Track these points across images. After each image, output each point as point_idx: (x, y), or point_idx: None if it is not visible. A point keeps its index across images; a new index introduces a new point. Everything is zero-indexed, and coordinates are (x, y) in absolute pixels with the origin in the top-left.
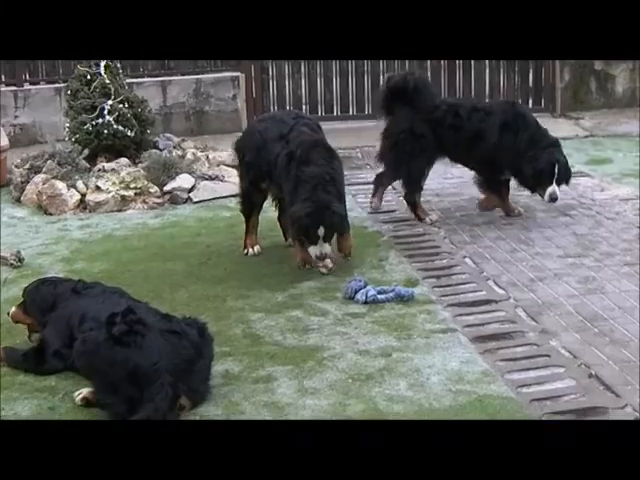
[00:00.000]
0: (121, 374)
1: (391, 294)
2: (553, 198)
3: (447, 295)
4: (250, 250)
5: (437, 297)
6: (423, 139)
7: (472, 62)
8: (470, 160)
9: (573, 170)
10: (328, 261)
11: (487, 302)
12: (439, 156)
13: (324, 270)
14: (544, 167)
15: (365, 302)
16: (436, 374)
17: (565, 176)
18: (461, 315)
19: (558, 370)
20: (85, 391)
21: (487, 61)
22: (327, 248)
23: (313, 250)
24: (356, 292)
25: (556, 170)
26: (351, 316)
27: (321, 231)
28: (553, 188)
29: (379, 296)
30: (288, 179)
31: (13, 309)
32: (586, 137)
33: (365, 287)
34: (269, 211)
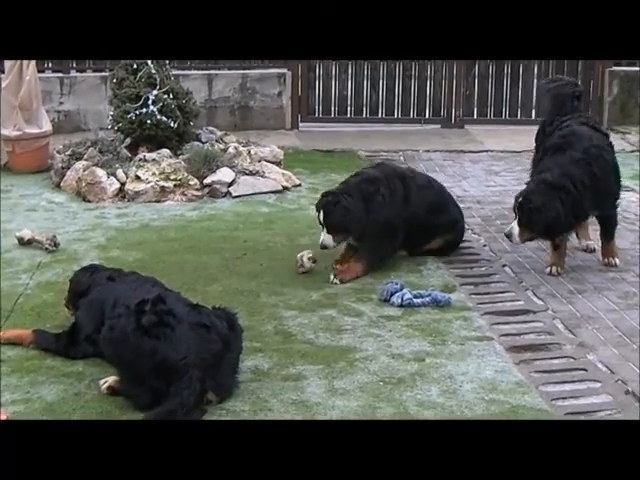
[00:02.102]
0: (148, 366)
1: (427, 299)
2: (505, 234)
3: (484, 303)
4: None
5: (474, 304)
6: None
7: (520, 72)
8: None
9: None
10: (304, 257)
11: (525, 312)
12: None
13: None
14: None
15: (401, 305)
16: (469, 382)
17: (529, 217)
18: (498, 324)
19: (594, 385)
20: (111, 379)
21: (535, 71)
22: (326, 239)
23: None
24: (392, 295)
25: (517, 204)
26: (386, 319)
27: (321, 216)
28: (510, 225)
29: (415, 300)
30: None
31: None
32: (632, 152)
33: (401, 290)
34: (310, 209)
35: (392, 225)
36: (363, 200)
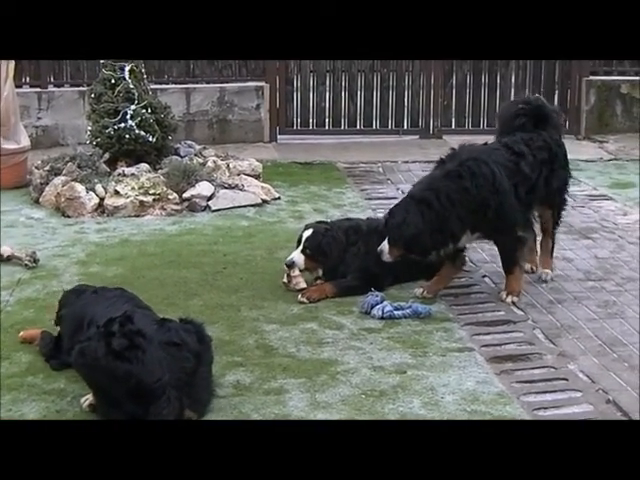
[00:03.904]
0: (123, 390)
1: (408, 310)
2: (378, 251)
3: (465, 314)
4: None
5: (454, 315)
6: None
7: (498, 80)
8: None
9: (596, 193)
10: (295, 277)
11: (505, 322)
12: None
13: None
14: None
15: (381, 317)
16: (451, 393)
17: (392, 233)
18: (478, 334)
19: (575, 394)
20: (91, 397)
21: (513, 80)
22: (296, 257)
23: None
24: (372, 307)
25: (384, 220)
26: (366, 331)
27: (304, 235)
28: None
29: (396, 312)
30: None
31: None
32: (610, 160)
33: (382, 302)
34: (288, 222)
35: (370, 272)
36: (346, 242)
